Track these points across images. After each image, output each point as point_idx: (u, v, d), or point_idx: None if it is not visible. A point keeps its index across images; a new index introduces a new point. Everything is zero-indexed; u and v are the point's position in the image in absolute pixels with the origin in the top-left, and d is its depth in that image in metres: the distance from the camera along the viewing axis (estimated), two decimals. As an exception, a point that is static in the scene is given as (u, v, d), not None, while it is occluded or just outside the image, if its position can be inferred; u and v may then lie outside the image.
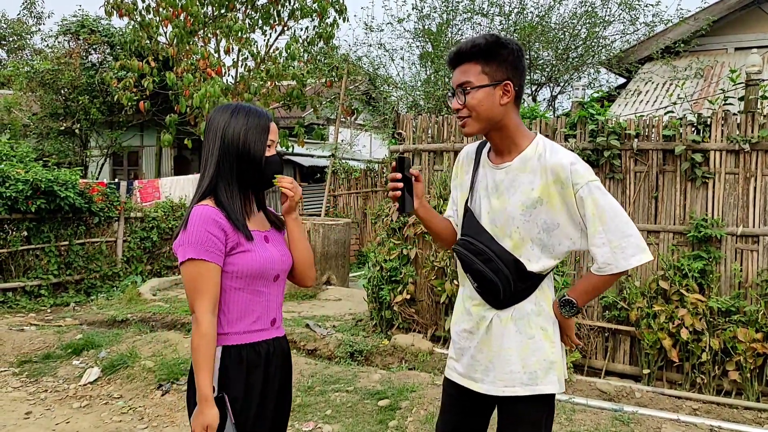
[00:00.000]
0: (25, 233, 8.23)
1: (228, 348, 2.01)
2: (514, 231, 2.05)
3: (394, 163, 2.13)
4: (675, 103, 5.61)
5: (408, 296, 6.19)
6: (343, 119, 14.19)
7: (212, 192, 2.04)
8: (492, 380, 2.10)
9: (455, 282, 5.86)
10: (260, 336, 2.08)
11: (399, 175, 2.10)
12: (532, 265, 2.05)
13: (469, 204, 2.17)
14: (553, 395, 2.11)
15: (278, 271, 2.12)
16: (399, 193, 2.11)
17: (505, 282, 2.03)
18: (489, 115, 2.02)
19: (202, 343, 1.92)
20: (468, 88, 2.01)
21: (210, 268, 1.95)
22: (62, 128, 15.88)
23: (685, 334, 4.92)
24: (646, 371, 5.20)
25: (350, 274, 10.27)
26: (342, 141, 15.25)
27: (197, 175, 13.13)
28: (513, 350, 2.06)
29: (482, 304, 2.13)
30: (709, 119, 5.19)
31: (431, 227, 2.29)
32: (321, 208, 13.03)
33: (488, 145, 2.18)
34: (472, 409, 2.22)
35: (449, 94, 2.12)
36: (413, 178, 2.14)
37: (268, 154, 2.09)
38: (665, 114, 5.63)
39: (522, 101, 2.27)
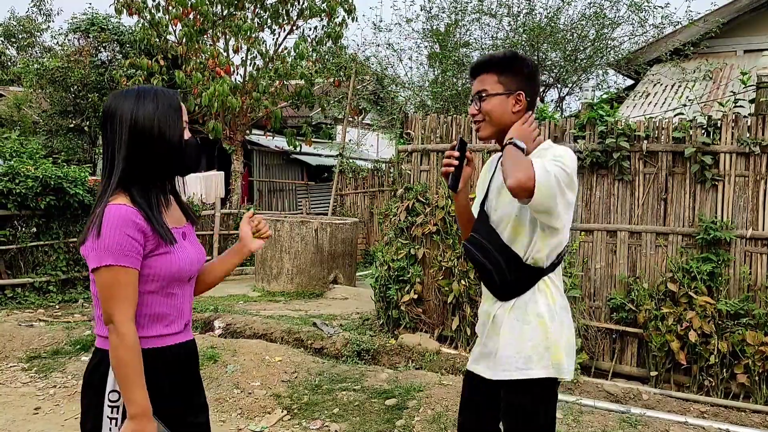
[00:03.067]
0: (35, 230, 8.27)
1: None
2: (510, 223, 2.20)
3: (455, 142, 2.28)
4: (685, 105, 5.60)
5: (415, 296, 6.20)
6: (351, 119, 14.21)
7: (124, 189, 1.83)
8: (494, 366, 2.24)
9: (463, 282, 5.86)
10: (173, 339, 1.93)
11: (458, 153, 2.25)
12: (526, 256, 2.19)
13: (484, 205, 2.36)
14: (549, 381, 2.20)
15: (193, 272, 1.99)
16: (452, 168, 2.25)
17: (497, 269, 2.20)
18: (501, 121, 2.21)
19: (131, 355, 1.75)
20: (484, 95, 2.21)
21: (129, 273, 1.78)
22: (71, 125, 15.95)
23: (693, 337, 4.91)
24: (653, 373, 5.19)
25: (357, 273, 10.28)
26: (349, 140, 15.26)
27: (205, 173, 13.16)
28: (511, 337, 2.20)
29: (491, 299, 2.30)
30: (719, 121, 5.17)
31: (463, 214, 2.46)
32: (328, 207, 13.05)
33: None
34: (484, 397, 2.35)
35: (470, 101, 2.29)
36: (465, 162, 2.29)
37: (186, 136, 1.93)
38: (675, 116, 5.61)
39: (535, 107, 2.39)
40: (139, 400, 1.76)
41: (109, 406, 1.83)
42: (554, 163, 2.04)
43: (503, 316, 2.23)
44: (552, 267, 2.22)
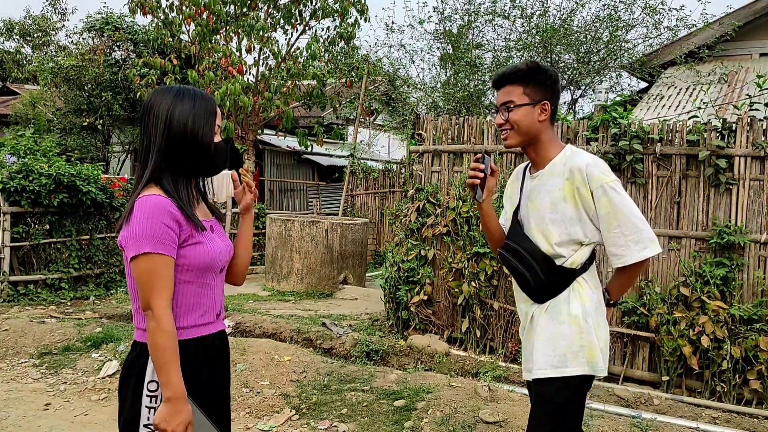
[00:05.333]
0: (47, 227, 8.33)
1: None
2: (545, 230, 2.31)
3: (479, 155, 2.36)
4: (699, 108, 5.55)
5: (425, 297, 6.18)
6: (363, 119, 14.22)
7: (156, 181, 1.91)
8: (531, 367, 2.33)
9: (473, 284, 5.84)
10: (207, 330, 2.00)
11: (482, 166, 2.35)
12: (561, 260, 2.29)
13: (517, 214, 2.46)
14: (582, 380, 2.26)
15: (224, 263, 2.07)
16: (478, 181, 2.35)
17: (534, 275, 2.29)
18: (528, 130, 2.32)
19: (168, 340, 1.81)
20: (511, 106, 2.31)
21: (167, 261, 1.84)
22: (85, 124, 16.05)
23: (705, 342, 4.86)
24: (665, 378, 5.14)
25: (367, 274, 10.27)
26: (361, 141, 15.27)
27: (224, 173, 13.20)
28: (546, 336, 2.29)
29: (527, 301, 2.39)
30: (734, 125, 5.12)
31: (487, 223, 2.51)
32: (339, 207, 13.04)
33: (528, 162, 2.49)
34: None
35: (494, 111, 2.38)
36: (490, 173, 2.38)
37: (216, 140, 2.00)
38: (689, 118, 5.57)
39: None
40: (175, 383, 1.81)
41: (147, 395, 1.88)
42: (632, 208, 2.23)
43: (539, 317, 2.33)
44: (585, 267, 2.31)
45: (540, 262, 2.29)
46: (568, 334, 2.25)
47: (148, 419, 1.87)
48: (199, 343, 1.97)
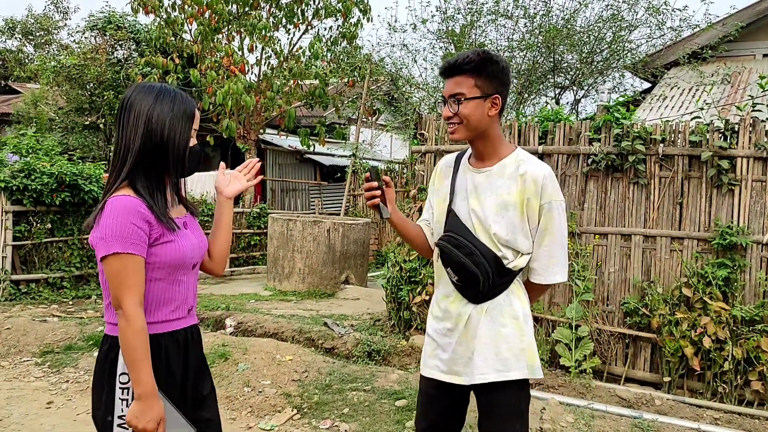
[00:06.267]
0: (49, 226, 8.33)
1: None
2: (489, 229, 2.21)
3: (368, 174, 2.28)
4: (702, 109, 5.54)
5: (427, 297, 6.17)
6: (365, 119, 14.21)
7: (130, 182, 1.94)
8: (471, 371, 2.23)
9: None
10: (179, 324, 2.05)
11: (376, 184, 2.26)
12: (508, 262, 2.23)
13: (452, 206, 2.33)
14: (526, 381, 2.25)
15: (197, 259, 2.09)
16: (378, 201, 2.27)
17: (485, 275, 2.19)
18: (478, 125, 2.21)
19: (138, 338, 1.85)
20: (461, 99, 2.19)
21: (136, 261, 1.88)
22: (87, 123, 16.07)
23: (707, 343, 4.86)
24: (666, 379, 5.14)
25: (369, 274, 10.27)
26: (363, 141, 15.26)
27: (217, 172, 13.21)
28: (487, 340, 2.21)
29: (460, 300, 2.27)
30: (736, 125, 5.12)
31: (405, 232, 2.45)
32: (340, 207, 13.05)
33: (468, 152, 2.39)
34: (451, 404, 2.37)
35: (440, 102, 2.24)
36: (385, 186, 2.30)
37: (192, 143, 2.03)
38: (692, 119, 5.56)
39: (508, 111, 2.42)
40: (145, 381, 1.85)
41: (120, 387, 1.94)
42: (564, 234, 2.24)
43: (478, 319, 2.23)
44: (519, 271, 2.28)
45: (491, 261, 2.19)
46: (510, 337, 2.21)
47: (122, 410, 1.93)
48: (170, 337, 2.01)
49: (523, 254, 2.24)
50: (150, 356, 1.88)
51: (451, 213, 2.31)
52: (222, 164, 2.35)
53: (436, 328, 2.36)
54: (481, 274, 2.18)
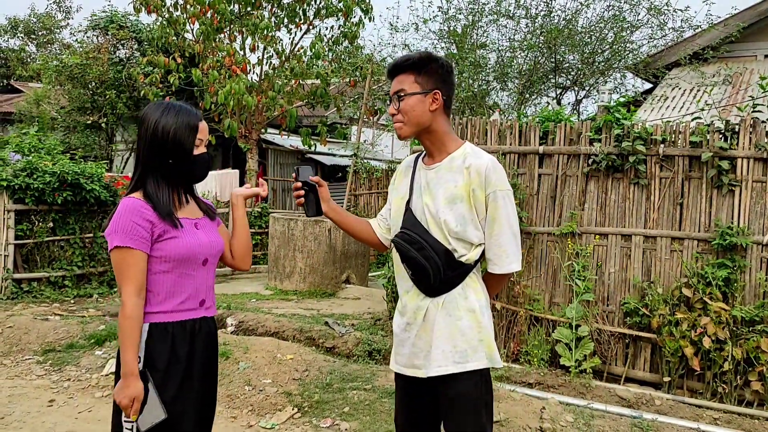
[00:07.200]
0: (51, 224, 8.35)
1: (155, 325, 2.15)
2: (441, 223, 2.26)
3: (294, 174, 2.39)
4: (703, 110, 5.55)
5: (427, 297, 6.17)
6: (366, 119, 14.21)
7: (141, 186, 2.19)
8: (427, 364, 2.28)
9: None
10: (188, 315, 2.22)
11: (299, 184, 2.39)
12: (459, 255, 2.27)
13: (410, 204, 2.39)
14: (485, 372, 2.29)
15: (206, 255, 2.26)
16: (302, 200, 2.40)
17: (435, 268, 2.24)
18: (419, 120, 2.29)
19: (127, 324, 2.06)
20: (402, 95, 2.28)
21: (134, 254, 2.09)
22: (89, 122, 16.09)
23: (707, 343, 4.87)
24: (666, 379, 5.15)
25: (370, 273, 10.29)
26: (364, 141, 15.28)
27: (219, 171, 13.25)
28: (444, 332, 2.26)
29: (417, 295, 2.32)
30: (737, 126, 5.13)
31: (346, 227, 2.56)
32: (342, 207, 13.04)
33: (424, 152, 2.45)
34: (421, 397, 2.40)
35: (388, 102, 2.35)
36: (317, 185, 2.41)
37: (196, 152, 2.23)
38: (693, 120, 5.57)
39: (452, 109, 2.48)
40: (129, 362, 2.06)
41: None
42: (513, 222, 2.28)
43: (435, 313, 2.28)
44: (476, 263, 2.32)
45: (441, 255, 2.24)
46: (466, 329, 2.25)
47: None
48: (178, 326, 2.19)
49: (475, 246, 2.28)
50: (137, 342, 2.08)
51: (408, 210, 2.38)
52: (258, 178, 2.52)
53: (398, 323, 2.42)
54: (431, 268, 2.24)
